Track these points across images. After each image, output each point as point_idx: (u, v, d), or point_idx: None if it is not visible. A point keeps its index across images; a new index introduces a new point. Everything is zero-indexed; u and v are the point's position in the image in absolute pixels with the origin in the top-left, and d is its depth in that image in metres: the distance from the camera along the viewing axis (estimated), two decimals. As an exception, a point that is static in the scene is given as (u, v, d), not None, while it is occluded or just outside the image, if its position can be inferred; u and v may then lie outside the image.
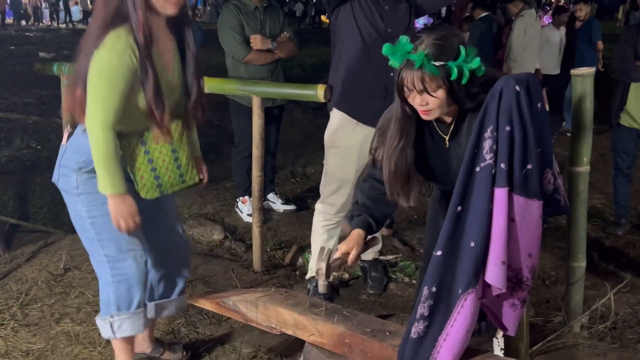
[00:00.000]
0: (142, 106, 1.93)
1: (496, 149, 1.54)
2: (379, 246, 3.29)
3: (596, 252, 3.60)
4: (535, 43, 6.61)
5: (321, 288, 1.92)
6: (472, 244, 1.56)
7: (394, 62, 1.71)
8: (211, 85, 3.01)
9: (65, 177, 2.04)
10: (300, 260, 3.43)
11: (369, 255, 3.25)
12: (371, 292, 3.14)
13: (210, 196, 4.46)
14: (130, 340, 2.22)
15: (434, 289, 1.61)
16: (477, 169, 1.58)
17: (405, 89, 1.71)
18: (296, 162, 5.49)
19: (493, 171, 1.55)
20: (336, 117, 2.82)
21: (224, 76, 3.91)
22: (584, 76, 2.40)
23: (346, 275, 3.30)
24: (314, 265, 3.00)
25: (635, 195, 4.50)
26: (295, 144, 6.19)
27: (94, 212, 2.03)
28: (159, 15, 1.91)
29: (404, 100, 1.76)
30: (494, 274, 1.54)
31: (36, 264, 3.30)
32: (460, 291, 1.57)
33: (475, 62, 1.65)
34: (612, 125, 3.96)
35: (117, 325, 2.12)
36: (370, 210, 2.00)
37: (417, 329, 1.63)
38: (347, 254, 1.95)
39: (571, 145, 2.49)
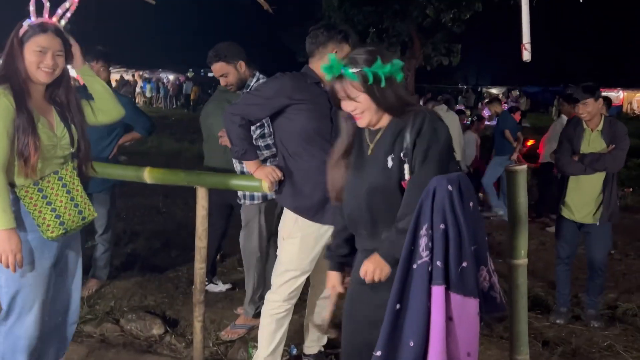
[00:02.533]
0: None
1: (432, 247, 1.56)
2: (324, 339, 3.22)
3: (540, 341, 3.62)
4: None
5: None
6: (411, 344, 1.54)
7: (327, 77, 2.03)
8: (154, 175, 2.99)
9: None
10: (244, 355, 3.29)
11: (314, 348, 3.18)
12: None
13: (151, 287, 4.29)
14: None
15: (374, 392, 1.56)
16: (414, 266, 1.59)
17: (339, 99, 2.01)
18: (243, 250, 5.39)
19: (430, 269, 1.56)
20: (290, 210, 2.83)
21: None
22: (517, 172, 2.50)
23: (292, 371, 3.18)
24: (260, 359, 2.89)
25: (576, 283, 4.62)
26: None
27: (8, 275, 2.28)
28: (36, 84, 2.34)
29: (339, 108, 2.06)
30: (434, 375, 1.51)
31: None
32: (400, 393, 1.53)
33: (387, 68, 1.93)
34: (557, 215, 4.09)
35: None
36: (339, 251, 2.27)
37: None
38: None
39: (508, 239, 2.54)
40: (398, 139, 1.98)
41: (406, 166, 1.94)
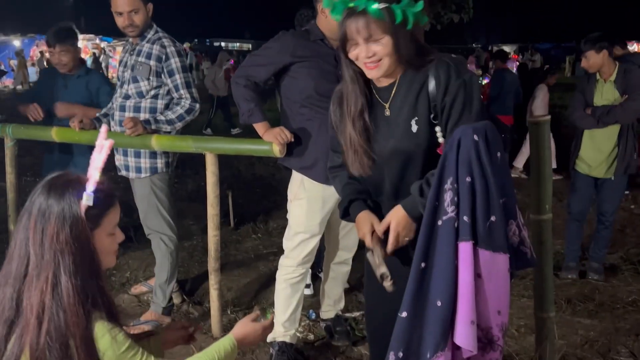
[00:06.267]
0: None
1: (457, 201, 1.47)
2: (341, 304, 3.18)
3: (563, 299, 3.56)
4: None
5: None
6: (439, 303, 1.46)
7: (336, 16, 1.67)
8: (162, 143, 2.91)
9: None
10: (262, 321, 3.26)
11: (330, 312, 3.14)
12: (339, 344, 3.05)
13: (167, 257, 4.26)
14: None
15: (400, 355, 1.50)
16: (439, 222, 1.50)
17: (350, 44, 1.68)
18: (257, 218, 5.36)
19: (456, 224, 1.47)
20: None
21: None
22: (540, 124, 2.38)
23: (311, 337, 3.15)
24: (278, 325, 2.86)
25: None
26: (256, 199, 6.09)
27: None
28: None
29: (346, 55, 1.73)
30: (463, 335, 1.44)
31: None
32: (428, 355, 1.46)
33: (419, 5, 1.63)
34: (569, 170, 4.01)
35: None
36: (357, 193, 1.90)
37: (384, 398, 1.51)
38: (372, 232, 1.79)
39: (532, 193, 2.45)
40: (420, 97, 1.71)
41: (438, 129, 1.71)
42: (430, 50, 1.75)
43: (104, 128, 1.47)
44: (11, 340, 1.33)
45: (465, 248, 1.45)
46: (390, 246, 1.73)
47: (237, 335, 1.64)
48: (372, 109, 1.81)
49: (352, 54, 1.70)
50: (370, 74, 1.73)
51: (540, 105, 7.26)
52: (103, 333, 1.35)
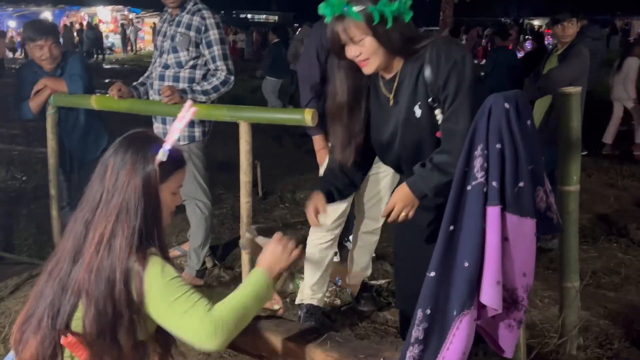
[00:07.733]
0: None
1: (487, 167, 1.52)
2: (368, 271, 3.26)
3: (589, 272, 3.59)
4: None
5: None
6: (466, 264, 1.52)
7: (327, 18, 1.76)
8: (198, 112, 2.99)
9: None
10: (291, 286, 3.37)
11: (357, 279, 3.23)
12: (364, 309, 3.15)
13: (198, 223, 4.39)
14: None
15: (428, 312, 1.57)
16: (469, 187, 1.55)
17: (343, 44, 1.77)
18: (285, 188, 5.46)
19: (485, 189, 1.52)
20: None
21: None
22: (570, 95, 2.40)
23: (338, 302, 3.26)
24: (306, 288, 2.96)
25: (626, 215, 4.53)
26: (284, 170, 6.18)
27: None
28: None
29: (340, 57, 1.83)
30: (489, 295, 1.51)
31: (20, 296, 3.22)
32: (455, 313, 1.53)
33: (394, 6, 1.70)
34: None
35: None
36: (332, 179, 2.05)
37: (412, 353, 1.59)
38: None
39: (560, 165, 2.48)
40: (419, 83, 1.81)
41: (437, 111, 1.81)
42: (424, 37, 1.82)
43: (188, 103, 1.60)
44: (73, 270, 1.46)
45: (493, 212, 1.51)
46: (391, 219, 1.89)
47: (264, 265, 1.69)
48: (378, 101, 1.92)
49: (347, 53, 1.80)
50: (364, 70, 1.82)
51: (632, 79, 6.98)
52: (154, 264, 1.45)
